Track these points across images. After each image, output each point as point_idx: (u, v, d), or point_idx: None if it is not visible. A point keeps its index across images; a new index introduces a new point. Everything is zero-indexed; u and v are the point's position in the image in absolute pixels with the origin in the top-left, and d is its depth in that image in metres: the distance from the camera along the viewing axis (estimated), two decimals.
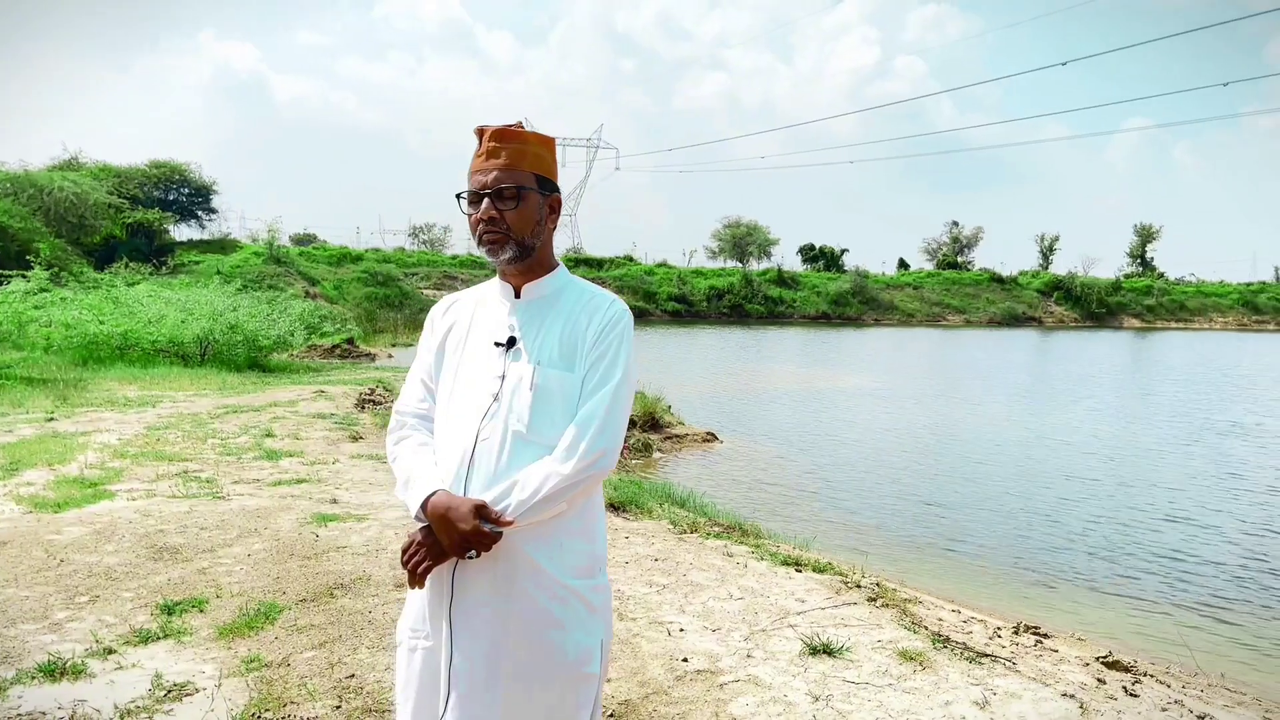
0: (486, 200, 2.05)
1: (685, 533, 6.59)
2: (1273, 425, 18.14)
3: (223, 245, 48.91)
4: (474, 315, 2.20)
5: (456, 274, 55.13)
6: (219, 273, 33.93)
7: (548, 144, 2.17)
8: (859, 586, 5.40)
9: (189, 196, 53.18)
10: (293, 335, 20.29)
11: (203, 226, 54.27)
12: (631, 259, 68.09)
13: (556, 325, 2.10)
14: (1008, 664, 4.28)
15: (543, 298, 2.15)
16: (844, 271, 72.37)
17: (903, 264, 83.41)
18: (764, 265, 73.90)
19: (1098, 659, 4.79)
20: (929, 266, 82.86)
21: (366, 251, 57.27)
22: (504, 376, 2.07)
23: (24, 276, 18.85)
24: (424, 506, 1.98)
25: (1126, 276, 79.39)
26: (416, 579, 2.01)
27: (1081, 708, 3.76)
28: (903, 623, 4.74)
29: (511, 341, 2.10)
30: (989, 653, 4.45)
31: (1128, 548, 9.16)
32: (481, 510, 1.93)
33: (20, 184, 35.90)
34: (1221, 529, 9.94)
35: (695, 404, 18.42)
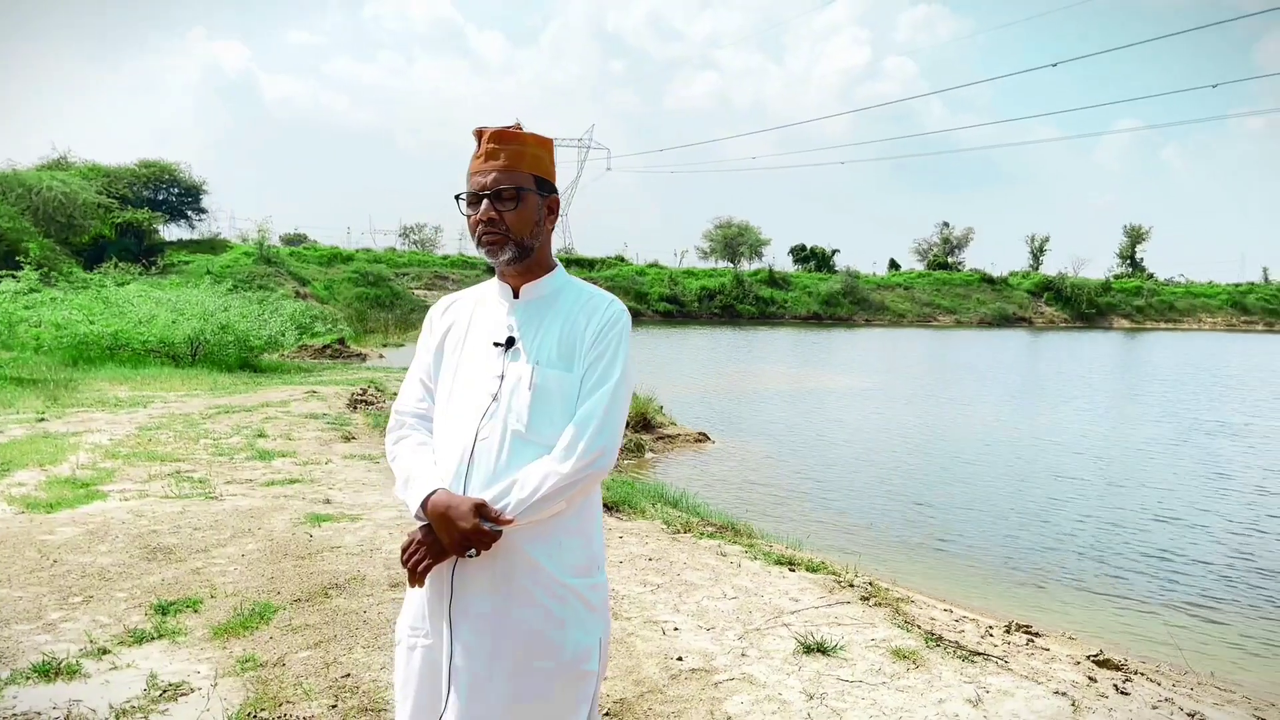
0: (485, 201, 2.07)
1: (679, 532, 6.61)
2: (1260, 425, 18.25)
3: (212, 245, 48.76)
4: (473, 315, 2.22)
5: (447, 274, 55.09)
6: (209, 273, 33.82)
7: (546, 145, 2.19)
8: (852, 586, 5.42)
9: (178, 196, 53.03)
10: (284, 335, 20.26)
11: (192, 226, 54.16)
12: (623, 259, 68.12)
13: (555, 325, 2.11)
14: (1000, 662, 4.31)
15: (541, 298, 2.17)
16: (835, 272, 72.49)
17: (893, 264, 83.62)
18: (755, 266, 74.00)
19: (1089, 657, 4.82)
20: (920, 267, 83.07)
21: (357, 252, 57.19)
22: (503, 376, 2.08)
23: (14, 277, 18.80)
24: (424, 505, 1.99)
25: (1116, 277, 79.72)
26: (417, 577, 2.02)
27: (1074, 705, 3.79)
28: (896, 622, 4.77)
29: (510, 341, 2.11)
30: (981, 651, 4.48)
31: (1117, 547, 9.21)
32: (481, 509, 1.94)
33: (9, 184, 35.77)
34: (1209, 529, 10.00)
35: (687, 404, 18.45)
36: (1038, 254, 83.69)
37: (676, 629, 4.49)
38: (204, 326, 18.04)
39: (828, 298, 65.07)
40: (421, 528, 2.02)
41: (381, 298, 46.32)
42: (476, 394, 2.09)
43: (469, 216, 2.12)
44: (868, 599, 5.17)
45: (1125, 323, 70.24)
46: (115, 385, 13.74)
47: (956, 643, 4.56)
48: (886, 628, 4.65)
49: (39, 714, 3.30)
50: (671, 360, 30.61)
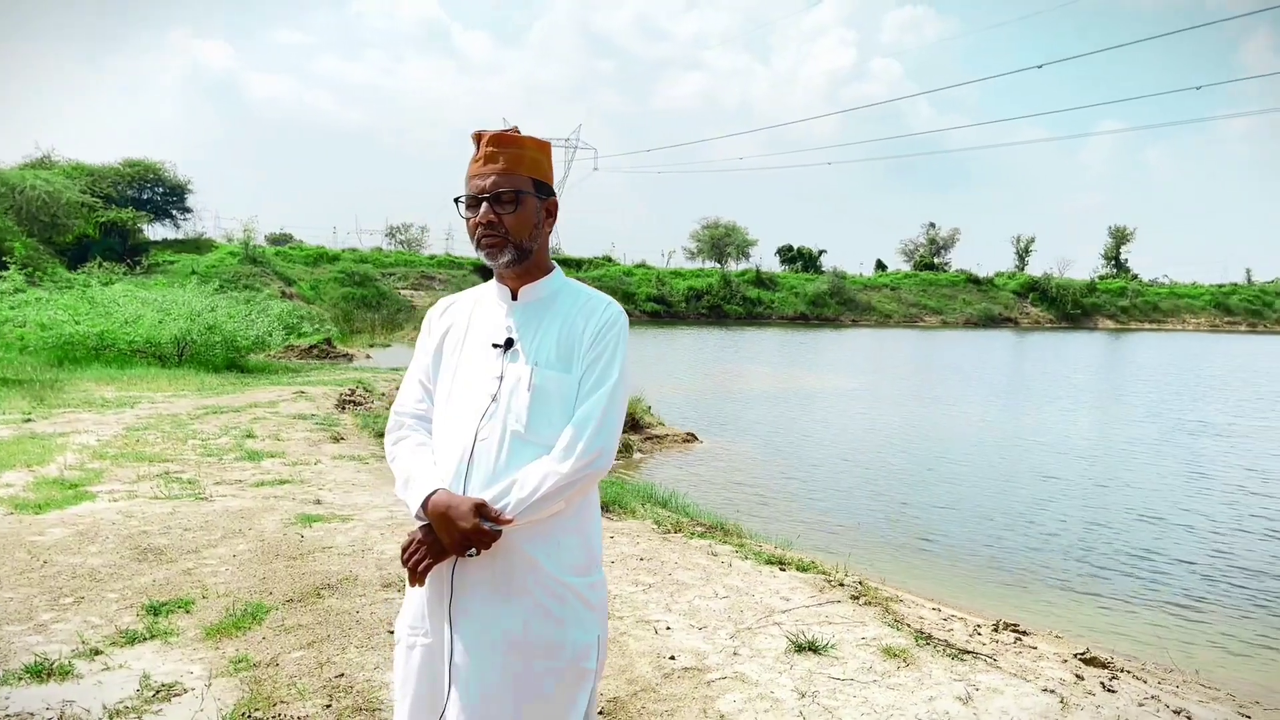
0: (485, 204, 2.09)
1: (669, 532, 6.63)
2: (1242, 425, 18.40)
3: (197, 245, 48.51)
4: (471, 317, 2.24)
5: (434, 274, 54.93)
6: (194, 273, 33.69)
7: (544, 148, 2.21)
8: (842, 585, 5.46)
9: (163, 196, 52.73)
10: (271, 336, 20.19)
11: (177, 226, 53.85)
12: (610, 259, 68.13)
13: (554, 327, 2.14)
14: (989, 660, 4.35)
15: (539, 300, 2.19)
16: (822, 272, 72.71)
17: (880, 265, 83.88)
18: (742, 266, 74.08)
19: (1076, 655, 4.87)
20: (906, 267, 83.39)
21: (343, 251, 56.98)
22: (502, 377, 2.10)
23: None
24: (424, 505, 2.01)
25: (1101, 278, 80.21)
26: (417, 577, 2.03)
27: (1062, 703, 3.83)
28: (886, 620, 4.81)
29: (509, 343, 2.13)
30: (970, 650, 4.52)
31: (1101, 547, 9.29)
32: (481, 509, 1.96)
33: None
34: (1192, 528, 10.09)
35: (675, 405, 18.48)
36: (1023, 255, 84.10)
37: (669, 628, 4.52)
38: (191, 327, 17.96)
39: (814, 298, 65.23)
40: (422, 527, 2.04)
41: (368, 298, 46.20)
42: (476, 395, 2.11)
43: (468, 219, 2.14)
44: (858, 598, 5.21)
45: (1110, 323, 70.66)
46: (101, 386, 13.67)
47: (946, 641, 4.60)
48: (877, 626, 4.68)
49: (32, 715, 3.30)
50: (659, 360, 30.64)
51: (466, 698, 2.00)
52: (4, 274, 18.78)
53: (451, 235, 77.08)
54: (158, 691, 3.55)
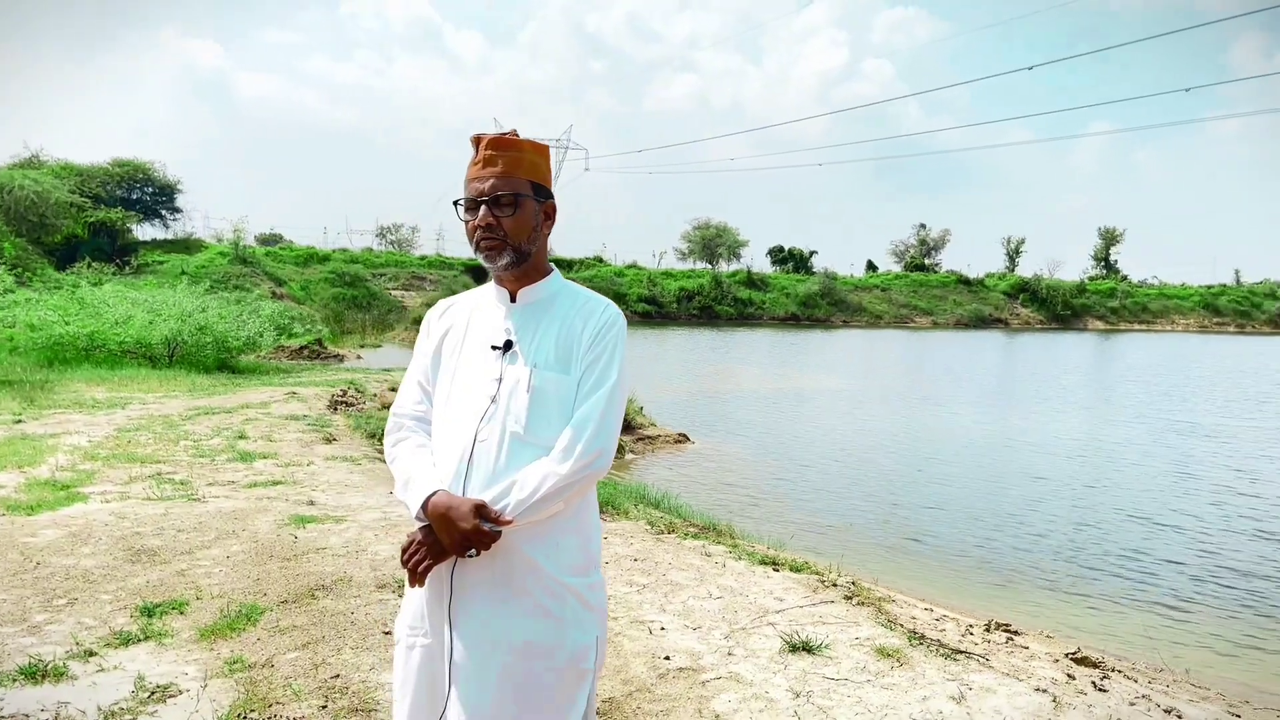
0: (484, 207, 2.10)
1: (663, 533, 6.64)
2: (1230, 426, 18.50)
3: (187, 245, 48.32)
4: (470, 319, 2.25)
5: (425, 274, 54.80)
6: (184, 273, 33.58)
7: (543, 152, 2.22)
8: (835, 585, 5.48)
9: (153, 195, 52.41)
10: (262, 336, 20.15)
11: (167, 226, 53.50)
12: (601, 260, 68.14)
13: (552, 329, 2.15)
14: (981, 660, 4.37)
15: (538, 302, 2.20)
16: (813, 273, 72.81)
17: (871, 266, 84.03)
18: (733, 267, 74.24)
19: (1067, 655, 4.90)
20: (897, 268, 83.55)
21: (334, 252, 56.79)
22: (501, 379, 2.11)
23: None
24: (424, 506, 2.02)
25: (1091, 279, 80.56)
26: (417, 577, 2.04)
27: (1055, 702, 3.86)
28: (879, 621, 4.83)
29: (508, 345, 2.14)
30: (963, 649, 4.54)
31: (1091, 547, 9.34)
32: (481, 510, 1.97)
33: None
34: (1181, 529, 10.14)
35: (667, 405, 18.51)
36: (1014, 256, 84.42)
37: (663, 628, 4.53)
38: (181, 327, 17.90)
39: (806, 299, 65.33)
40: (422, 528, 2.05)
41: (358, 298, 46.10)
42: (475, 396, 2.12)
43: (467, 222, 2.15)
44: (851, 598, 5.23)
45: (1099, 324, 70.94)
46: (92, 386, 13.62)
47: (939, 641, 4.62)
48: (870, 626, 4.70)
49: (27, 716, 3.30)
50: (651, 361, 30.66)
51: (466, 698, 2.01)
52: None
53: (442, 236, 77.05)
54: (152, 693, 3.55)
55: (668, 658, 4.13)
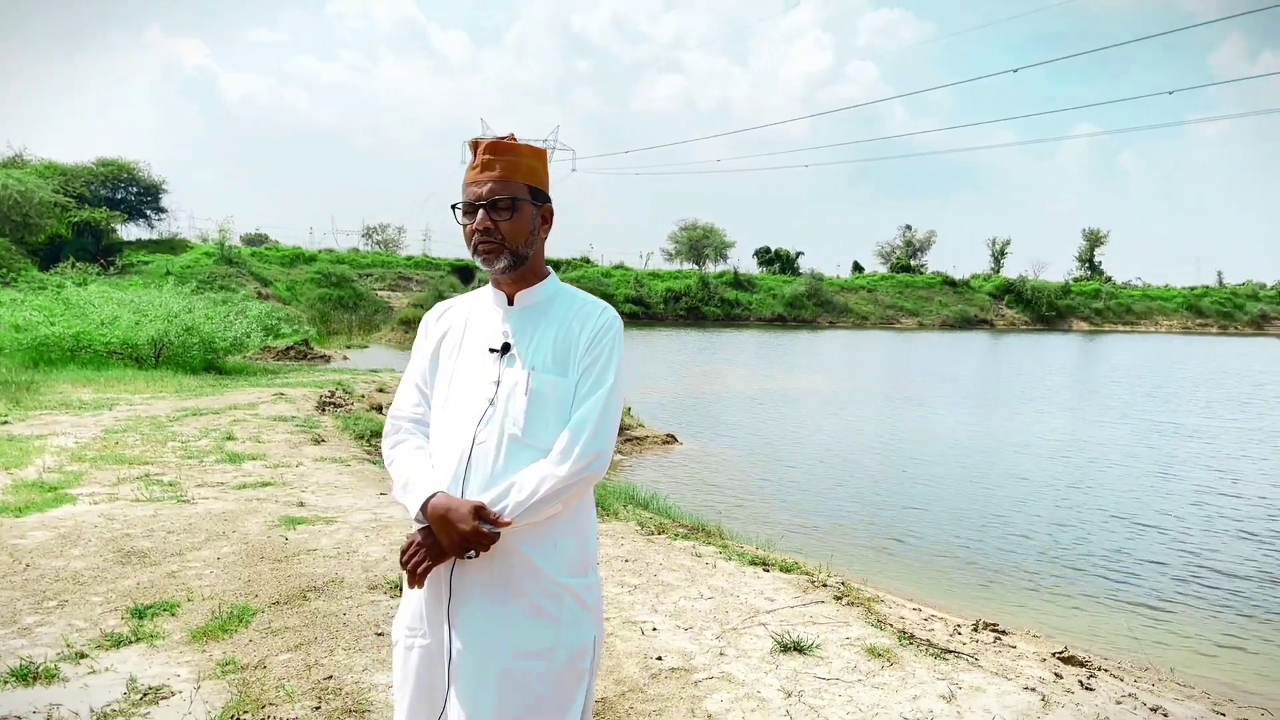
0: (481, 211, 2.12)
1: (653, 534, 6.67)
2: (1213, 426, 18.63)
3: (172, 245, 48.05)
4: (468, 322, 2.26)
5: (411, 275, 54.64)
6: (169, 273, 33.36)
7: (540, 156, 2.24)
8: (825, 585, 5.51)
9: (137, 195, 52.08)
10: (249, 337, 20.07)
11: (151, 226, 53.17)
12: (589, 261, 68.09)
13: (550, 332, 2.17)
14: (970, 660, 4.41)
15: (535, 305, 2.22)
16: (799, 274, 72.91)
17: (857, 267, 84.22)
18: (720, 268, 74.23)
19: (1054, 654, 4.95)
20: (883, 270, 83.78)
21: (320, 252, 56.56)
22: (499, 382, 2.13)
23: None
24: (424, 508, 2.03)
25: (1075, 280, 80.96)
26: (416, 579, 2.05)
27: (1043, 700, 3.90)
28: (869, 620, 4.86)
29: (506, 348, 2.16)
30: (952, 649, 4.58)
31: (1075, 547, 9.40)
32: (480, 511, 1.98)
33: None
34: (1164, 529, 10.22)
35: (654, 406, 18.54)
36: (999, 257, 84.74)
37: (655, 629, 4.55)
38: (168, 328, 17.81)
39: (792, 300, 65.42)
40: (421, 530, 2.06)
41: (345, 299, 45.97)
42: (473, 399, 2.14)
43: (465, 225, 2.16)
44: (841, 598, 5.26)
45: (1084, 325, 71.31)
46: (78, 387, 13.55)
47: (928, 641, 4.66)
48: (860, 626, 4.74)
49: (19, 718, 3.30)
50: (638, 362, 30.67)
51: (465, 698, 2.03)
52: None
53: (428, 236, 76.92)
54: (145, 694, 3.55)
55: (660, 658, 4.16)
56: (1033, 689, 4.04)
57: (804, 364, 33.45)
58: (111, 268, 36.07)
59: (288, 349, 25.88)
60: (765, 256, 79.62)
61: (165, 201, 53.41)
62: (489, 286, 2.27)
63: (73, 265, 27.61)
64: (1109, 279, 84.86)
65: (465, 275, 55.39)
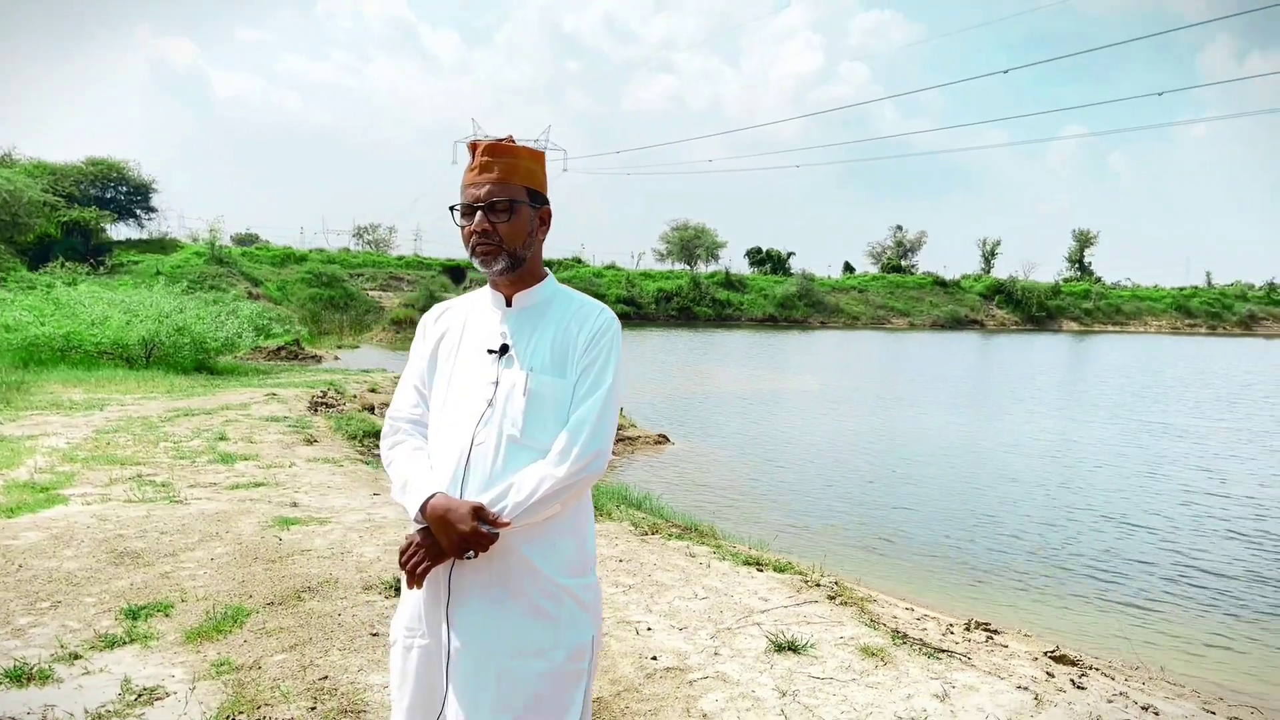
0: (480, 213, 2.13)
1: (647, 534, 6.68)
2: (1201, 426, 18.72)
3: (162, 245, 47.88)
4: (466, 323, 2.27)
5: (402, 275, 54.59)
6: (159, 273, 33.28)
7: (538, 158, 2.25)
8: (819, 585, 5.53)
9: (127, 195, 51.91)
10: (241, 337, 20.02)
11: (141, 226, 52.99)
12: (580, 261, 68.13)
13: (548, 333, 2.18)
14: (963, 659, 4.43)
15: (533, 306, 2.23)
16: (790, 274, 73.06)
17: (848, 267, 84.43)
18: (712, 268, 74.34)
19: (1046, 653, 4.98)
20: (874, 270, 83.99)
21: (310, 252, 56.47)
22: (497, 383, 2.13)
23: None
24: (423, 509, 2.04)
25: (1065, 280, 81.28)
26: (415, 579, 2.06)
27: (1036, 699, 3.92)
28: (862, 620, 4.88)
29: (504, 349, 2.17)
30: (945, 648, 4.60)
31: (1066, 547, 9.44)
32: (479, 512, 1.99)
33: None
34: (1154, 529, 10.27)
35: (646, 406, 18.56)
36: (989, 257, 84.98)
37: (650, 629, 4.56)
38: (159, 328, 17.76)
39: (783, 300, 65.52)
40: (420, 530, 2.07)
41: (336, 299, 45.87)
42: (472, 400, 2.14)
43: (463, 227, 2.17)
44: (834, 598, 5.28)
45: (1074, 325, 71.59)
46: (69, 388, 13.50)
47: (921, 640, 4.68)
48: (854, 626, 4.76)
49: (14, 719, 3.29)
50: (630, 362, 30.66)
51: (464, 699, 2.04)
52: None
53: (419, 236, 76.76)
54: (139, 695, 3.55)
55: (655, 658, 4.17)
56: (1025, 688, 4.06)
57: (795, 364, 33.51)
58: (101, 267, 35.96)
59: (279, 349, 25.83)
60: (757, 257, 79.78)
61: (155, 201, 53.30)
62: (487, 288, 2.28)
63: (62, 265, 27.52)
64: (1099, 279, 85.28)
65: (456, 275, 55.35)
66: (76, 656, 3.86)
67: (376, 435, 10.94)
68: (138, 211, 52.54)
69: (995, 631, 5.47)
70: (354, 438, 10.72)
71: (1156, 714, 4.10)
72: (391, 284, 52.59)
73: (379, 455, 8.57)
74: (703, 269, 74.25)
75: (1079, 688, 4.26)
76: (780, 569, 5.88)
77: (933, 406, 21.28)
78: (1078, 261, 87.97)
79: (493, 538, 1.99)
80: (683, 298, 62.36)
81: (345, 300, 46.20)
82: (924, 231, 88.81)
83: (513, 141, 2.21)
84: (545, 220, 2.25)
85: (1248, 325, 76.00)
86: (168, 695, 3.57)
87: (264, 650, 4.04)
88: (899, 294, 71.30)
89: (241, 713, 3.45)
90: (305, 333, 32.17)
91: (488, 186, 2.13)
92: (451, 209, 2.20)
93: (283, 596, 4.75)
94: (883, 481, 12.66)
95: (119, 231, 50.84)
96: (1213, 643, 7.00)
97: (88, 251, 39.22)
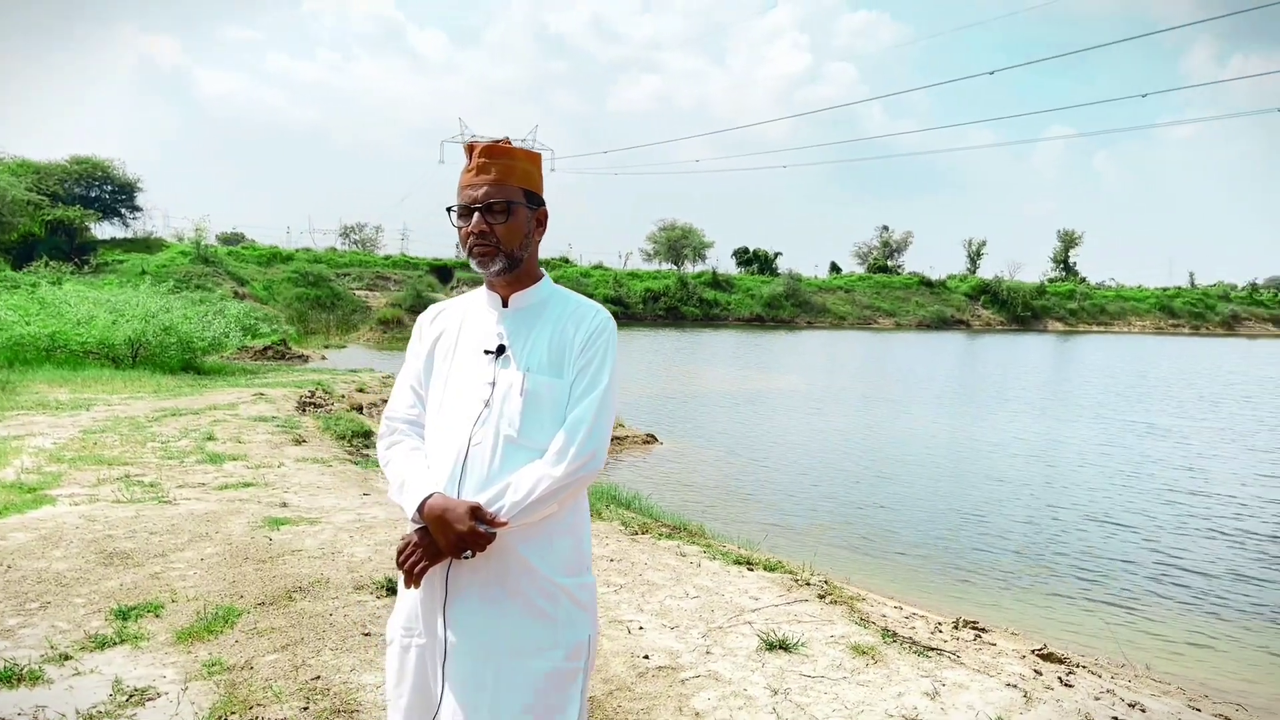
0: (477, 214, 2.14)
1: (637, 534, 6.69)
2: (1184, 426, 18.86)
3: (147, 244, 47.62)
4: (462, 324, 2.27)
5: (389, 274, 54.41)
6: (144, 272, 33.10)
7: (535, 160, 2.26)
8: (809, 584, 5.56)
9: (112, 194, 51.57)
10: (228, 337, 19.94)
11: (126, 225, 52.65)
12: (568, 261, 68.06)
13: (545, 333, 2.19)
14: (952, 657, 4.46)
15: (530, 307, 2.24)
16: (777, 274, 73.15)
17: (834, 267, 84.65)
18: (699, 268, 74.42)
19: (1033, 651, 5.01)
20: (860, 270, 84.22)
21: (297, 251, 56.26)
22: (494, 383, 2.14)
23: None
24: (420, 509, 2.05)
25: (1050, 281, 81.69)
26: (413, 579, 2.07)
27: (1025, 697, 3.95)
28: (852, 619, 4.91)
29: (501, 349, 2.18)
30: (934, 646, 4.63)
31: (1051, 546, 9.51)
32: (477, 512, 2.00)
33: None
34: (1137, 528, 10.34)
35: (634, 406, 18.58)
36: (975, 258, 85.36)
37: (641, 628, 4.58)
38: (146, 328, 17.67)
39: (770, 300, 65.61)
40: (417, 530, 2.07)
41: (322, 298, 45.69)
42: (469, 401, 2.15)
43: (460, 228, 2.18)
44: (824, 597, 5.31)
45: (1059, 325, 71.92)
46: (54, 388, 13.43)
47: (910, 639, 4.71)
48: (844, 625, 4.78)
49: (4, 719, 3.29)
50: (618, 362, 30.61)
51: (462, 698, 2.04)
52: None
53: (406, 235, 76.59)
54: (131, 695, 3.54)
55: (647, 657, 4.19)
56: (1014, 686, 4.09)
57: (782, 364, 33.57)
58: (86, 266, 35.77)
59: (265, 349, 25.74)
60: (744, 257, 79.85)
61: (140, 200, 53.00)
62: (483, 288, 2.29)
63: (46, 264, 27.39)
64: (1083, 280, 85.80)
65: (444, 275, 55.25)
66: (67, 657, 3.85)
67: (365, 435, 10.93)
68: (122, 210, 52.22)
69: (983, 630, 5.50)
70: (343, 438, 10.70)
71: (1143, 711, 4.14)
72: (378, 283, 52.44)
73: (368, 455, 8.55)
74: (690, 269, 74.36)
75: (1067, 685, 4.29)
76: (770, 568, 5.91)
77: (918, 406, 21.37)
78: (1063, 262, 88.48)
79: (490, 537, 2.00)
80: (670, 298, 62.36)
81: (332, 300, 46.03)
82: (910, 232, 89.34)
83: (509, 143, 2.22)
84: (542, 221, 2.26)
85: (1230, 325, 76.56)
86: (159, 696, 3.56)
87: (256, 650, 4.04)
88: (885, 294, 71.50)
89: (234, 713, 3.45)
90: (292, 332, 32.07)
91: (485, 188, 2.14)
92: (448, 210, 2.21)
93: (274, 597, 4.75)
94: (869, 481, 12.71)
95: (104, 230, 50.58)
96: (1195, 641, 7.06)
97: (72, 250, 38.99)
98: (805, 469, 13.43)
